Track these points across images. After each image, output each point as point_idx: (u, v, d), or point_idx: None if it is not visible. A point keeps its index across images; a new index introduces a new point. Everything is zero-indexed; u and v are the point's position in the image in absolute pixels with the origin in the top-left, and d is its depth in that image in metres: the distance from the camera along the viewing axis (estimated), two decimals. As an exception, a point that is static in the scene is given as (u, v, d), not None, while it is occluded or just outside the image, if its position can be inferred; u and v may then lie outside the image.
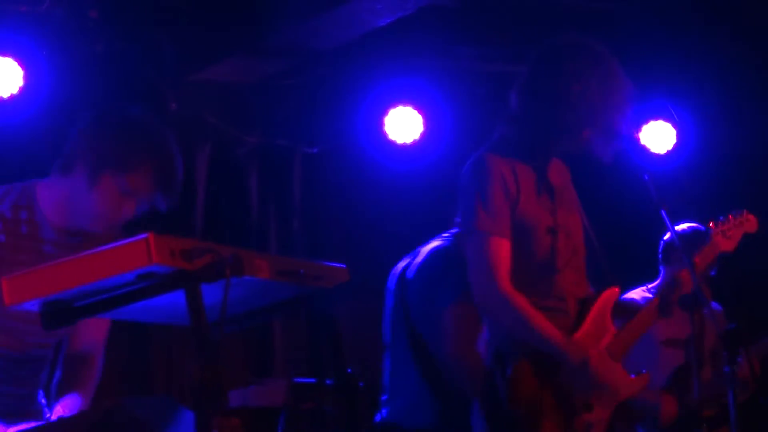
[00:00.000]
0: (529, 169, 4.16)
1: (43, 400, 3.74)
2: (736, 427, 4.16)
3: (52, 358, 3.76)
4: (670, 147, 7.07)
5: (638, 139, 6.81)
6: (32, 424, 3.44)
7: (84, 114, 3.66)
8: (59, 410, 3.61)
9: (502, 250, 4.02)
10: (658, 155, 7.04)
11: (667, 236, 5.69)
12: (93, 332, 3.78)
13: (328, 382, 5.12)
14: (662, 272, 5.74)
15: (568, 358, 4.00)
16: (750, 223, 4.95)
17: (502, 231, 4.03)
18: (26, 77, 5.70)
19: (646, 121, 7.04)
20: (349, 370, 3.18)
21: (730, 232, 4.88)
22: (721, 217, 4.93)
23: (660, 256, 5.75)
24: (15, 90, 5.69)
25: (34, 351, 3.67)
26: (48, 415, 3.64)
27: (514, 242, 4.05)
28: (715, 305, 5.75)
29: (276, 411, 5.19)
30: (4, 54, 5.69)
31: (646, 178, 4.19)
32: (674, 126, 7.07)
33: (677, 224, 5.62)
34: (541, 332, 4.00)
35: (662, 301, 4.37)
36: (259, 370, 6.66)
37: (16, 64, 5.69)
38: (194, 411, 2.67)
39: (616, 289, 4.24)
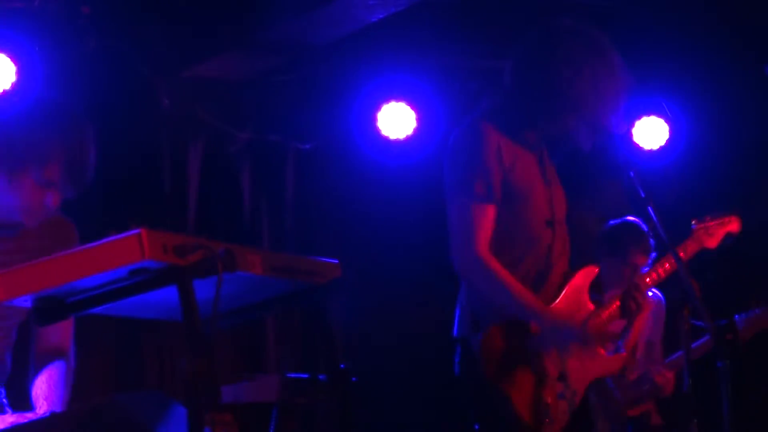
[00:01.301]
0: (525, 151, 4.17)
1: (4, 400, 3.71)
2: (731, 424, 4.16)
3: (3, 349, 3.73)
4: (663, 143, 7.08)
5: (627, 136, 6.82)
6: (24, 419, 3.43)
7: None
8: (44, 404, 3.59)
9: (486, 216, 4.03)
10: (650, 151, 7.05)
11: (608, 226, 5.68)
12: (59, 326, 3.69)
13: (320, 377, 5.12)
14: (602, 265, 5.64)
15: (540, 320, 4.03)
16: (733, 224, 4.95)
17: (489, 197, 4.04)
18: (19, 73, 5.69)
19: (640, 117, 7.04)
20: (342, 366, 3.19)
21: (713, 230, 4.87)
22: (705, 215, 4.91)
23: (601, 247, 5.68)
24: (7, 86, 5.68)
25: None
26: (8, 412, 3.61)
27: (504, 211, 4.06)
28: (656, 296, 5.70)
29: (269, 406, 5.20)
30: (-3, 50, 5.69)
31: (632, 174, 4.20)
32: (667, 122, 7.07)
33: (624, 218, 5.63)
34: (516, 296, 4.02)
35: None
36: (251, 365, 6.66)
37: (8, 59, 5.68)
38: (187, 406, 2.67)
39: (595, 268, 4.27)
